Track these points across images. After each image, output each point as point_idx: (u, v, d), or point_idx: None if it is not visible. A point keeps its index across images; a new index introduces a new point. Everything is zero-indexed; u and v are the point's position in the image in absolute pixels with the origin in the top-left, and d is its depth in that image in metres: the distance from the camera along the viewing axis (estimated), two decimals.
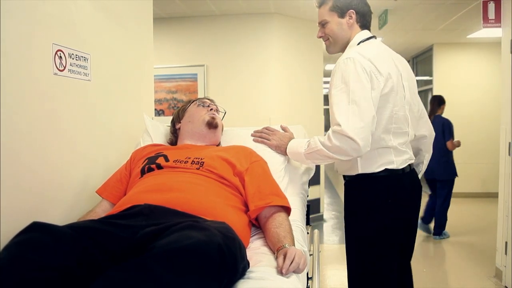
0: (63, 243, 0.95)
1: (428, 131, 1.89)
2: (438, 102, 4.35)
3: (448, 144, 4.19)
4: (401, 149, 1.70)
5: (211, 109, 1.79)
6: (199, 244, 0.91)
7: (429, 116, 2.29)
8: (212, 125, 1.74)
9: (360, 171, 1.68)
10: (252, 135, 1.89)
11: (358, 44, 1.68)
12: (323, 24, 1.75)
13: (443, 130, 4.18)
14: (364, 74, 1.53)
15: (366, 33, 1.73)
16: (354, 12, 1.70)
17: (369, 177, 1.68)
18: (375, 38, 1.75)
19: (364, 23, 1.74)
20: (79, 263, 0.94)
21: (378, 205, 1.70)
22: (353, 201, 1.76)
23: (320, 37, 1.79)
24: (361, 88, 1.52)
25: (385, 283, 1.73)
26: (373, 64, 1.56)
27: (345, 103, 1.51)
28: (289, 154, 1.79)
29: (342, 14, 1.70)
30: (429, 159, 1.94)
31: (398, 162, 1.68)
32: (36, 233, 0.95)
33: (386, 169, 1.67)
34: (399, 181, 1.71)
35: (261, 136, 1.87)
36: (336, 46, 1.76)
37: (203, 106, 1.80)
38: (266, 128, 1.90)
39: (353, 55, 1.57)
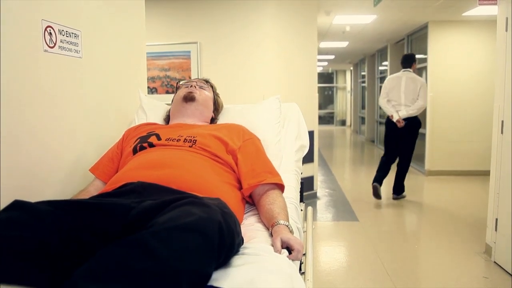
0: (42, 220, 0.95)
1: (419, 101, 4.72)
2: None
3: None
4: (396, 107, 4.74)
5: (191, 86, 1.79)
6: (201, 221, 0.91)
7: None
8: (187, 98, 1.74)
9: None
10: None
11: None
12: None
13: None
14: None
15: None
16: None
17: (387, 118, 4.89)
18: (404, 71, 4.86)
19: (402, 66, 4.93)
20: (62, 240, 0.94)
21: (387, 127, 4.92)
22: None
23: None
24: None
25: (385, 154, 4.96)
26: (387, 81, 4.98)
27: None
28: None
29: None
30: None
31: (392, 112, 4.73)
32: (15, 212, 0.96)
33: (388, 117, 4.84)
34: (392, 121, 4.73)
35: None
36: None
37: (186, 87, 1.81)
38: None
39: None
